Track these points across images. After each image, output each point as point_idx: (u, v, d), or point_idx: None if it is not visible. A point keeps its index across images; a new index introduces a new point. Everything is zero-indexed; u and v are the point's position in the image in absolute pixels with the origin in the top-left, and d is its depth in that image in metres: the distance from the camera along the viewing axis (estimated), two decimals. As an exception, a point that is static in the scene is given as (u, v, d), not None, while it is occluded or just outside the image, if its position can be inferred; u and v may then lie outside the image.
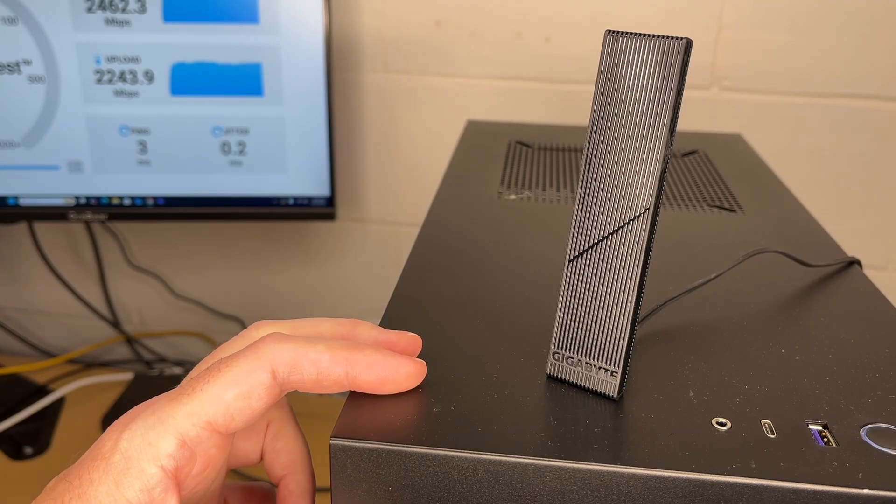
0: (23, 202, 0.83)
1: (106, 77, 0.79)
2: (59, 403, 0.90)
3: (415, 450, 0.25)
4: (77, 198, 0.83)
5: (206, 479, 0.29)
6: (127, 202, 0.83)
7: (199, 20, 0.78)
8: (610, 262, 0.27)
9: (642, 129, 0.26)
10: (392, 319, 0.33)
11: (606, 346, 0.28)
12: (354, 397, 0.27)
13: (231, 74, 0.79)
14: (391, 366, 0.28)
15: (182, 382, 0.28)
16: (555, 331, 0.29)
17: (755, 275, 0.39)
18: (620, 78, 0.26)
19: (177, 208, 0.84)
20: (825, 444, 0.25)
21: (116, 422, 0.28)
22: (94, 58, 0.78)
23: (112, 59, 0.78)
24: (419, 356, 0.29)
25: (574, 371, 0.29)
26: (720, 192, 0.52)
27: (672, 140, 0.26)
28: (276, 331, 0.30)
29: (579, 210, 0.28)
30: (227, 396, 0.26)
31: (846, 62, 0.80)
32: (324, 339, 0.28)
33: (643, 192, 0.26)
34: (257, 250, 0.97)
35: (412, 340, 0.30)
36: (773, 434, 0.26)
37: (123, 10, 0.77)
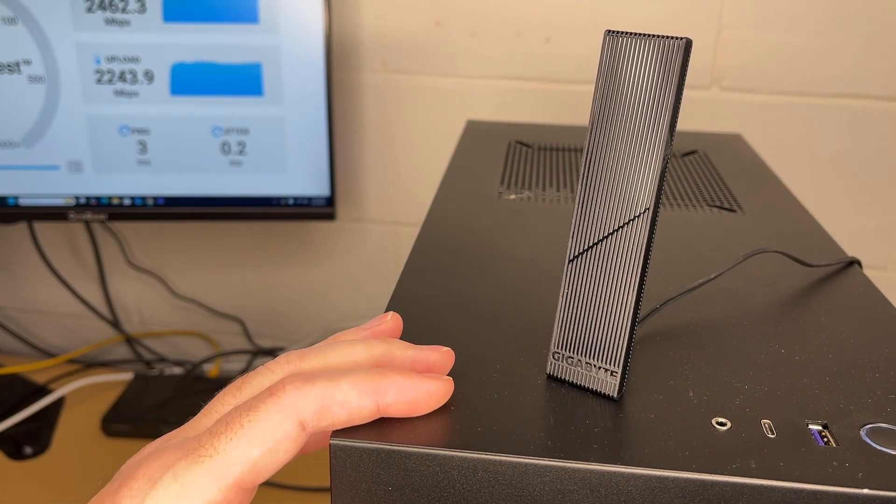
0: (23, 202, 0.83)
1: (106, 77, 0.79)
2: (59, 403, 0.90)
3: (415, 450, 0.25)
4: (77, 198, 0.83)
5: None
6: (127, 202, 0.83)
7: (199, 20, 0.78)
8: (610, 262, 0.27)
9: (642, 129, 0.26)
10: (392, 319, 0.33)
11: (606, 346, 0.28)
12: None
13: (231, 74, 0.79)
14: (422, 389, 0.26)
15: (198, 432, 0.26)
16: (555, 331, 0.29)
17: (755, 275, 0.39)
18: (620, 78, 0.26)
19: (177, 208, 0.84)
20: (825, 444, 0.25)
21: (122, 481, 0.25)
22: (94, 58, 0.78)
23: (112, 59, 0.78)
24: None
25: (574, 371, 0.29)
26: (720, 192, 0.52)
27: (672, 140, 0.26)
28: (302, 366, 0.28)
29: (579, 210, 0.28)
30: (253, 455, 0.25)
31: (846, 62, 0.80)
32: (347, 373, 0.26)
33: (643, 192, 0.26)
34: (257, 250, 0.97)
35: (446, 356, 0.29)
36: (773, 434, 0.26)
37: (123, 10, 0.77)
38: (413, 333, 0.31)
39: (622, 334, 0.28)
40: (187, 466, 0.25)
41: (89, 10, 0.77)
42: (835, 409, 0.27)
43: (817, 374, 0.30)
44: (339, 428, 0.26)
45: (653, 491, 0.24)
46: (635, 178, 0.26)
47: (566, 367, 0.29)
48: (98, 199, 0.83)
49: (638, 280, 0.27)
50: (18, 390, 0.93)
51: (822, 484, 0.24)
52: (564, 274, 0.28)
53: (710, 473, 0.24)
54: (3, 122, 0.80)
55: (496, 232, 0.43)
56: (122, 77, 0.79)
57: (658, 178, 0.26)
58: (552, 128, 0.68)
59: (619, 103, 0.26)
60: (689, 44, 0.25)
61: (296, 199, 0.84)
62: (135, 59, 0.79)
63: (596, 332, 0.28)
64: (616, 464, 0.24)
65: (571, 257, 0.28)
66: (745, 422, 0.26)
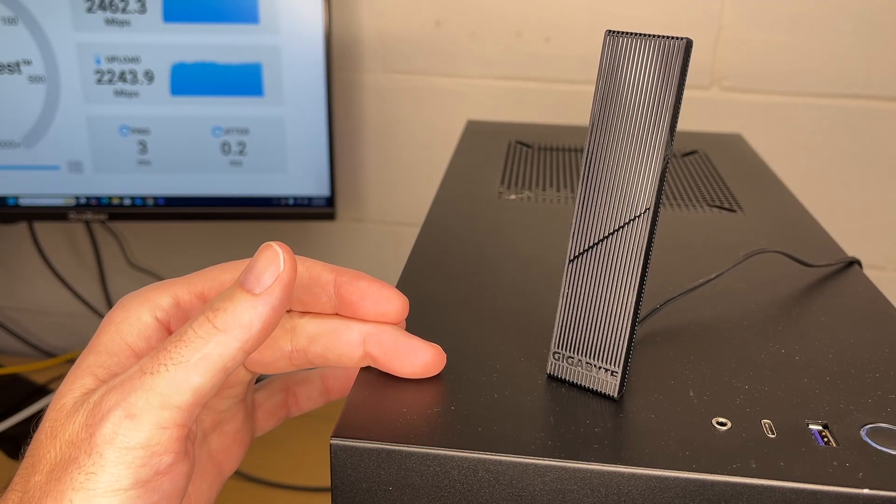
0: (23, 202, 0.83)
1: (106, 77, 0.79)
2: (59, 403, 0.90)
3: (415, 450, 0.25)
4: (77, 198, 0.83)
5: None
6: (127, 202, 0.83)
7: (199, 20, 0.78)
8: (610, 262, 0.27)
9: (642, 129, 0.26)
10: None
11: (606, 346, 0.28)
12: (355, 397, 0.27)
13: (231, 74, 0.79)
14: (377, 285, 0.29)
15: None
16: (555, 331, 0.29)
17: (755, 275, 0.39)
18: (620, 78, 0.26)
19: (177, 208, 0.84)
20: (825, 444, 0.25)
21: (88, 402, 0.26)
22: (94, 58, 0.78)
23: (112, 59, 0.78)
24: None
25: (574, 371, 0.29)
26: (720, 192, 0.52)
27: (672, 140, 0.26)
28: None
29: (579, 210, 0.28)
30: (227, 282, 0.30)
31: (846, 62, 0.80)
32: None
33: (643, 192, 0.26)
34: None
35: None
36: (773, 434, 0.26)
37: (123, 10, 0.77)
38: (413, 333, 0.31)
39: (622, 334, 0.28)
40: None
41: (89, 10, 0.77)
42: (835, 409, 0.27)
43: (817, 374, 0.30)
44: (300, 294, 0.29)
45: (653, 491, 0.24)
46: (635, 179, 0.26)
47: (566, 367, 0.29)
48: (98, 199, 0.83)
49: (638, 280, 0.27)
50: (18, 390, 0.93)
51: (823, 484, 0.24)
52: (564, 274, 0.28)
53: (711, 473, 0.24)
54: (3, 122, 0.80)
55: (496, 232, 0.43)
56: (122, 77, 0.79)
57: (658, 178, 0.26)
58: (552, 128, 0.68)
59: (619, 103, 0.26)
60: (689, 44, 0.25)
61: (296, 199, 0.84)
62: (135, 60, 0.79)
63: (596, 333, 0.28)
64: (616, 464, 0.24)
65: (571, 257, 0.28)
66: (746, 422, 0.26)
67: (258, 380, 0.35)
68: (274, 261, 0.25)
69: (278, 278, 0.25)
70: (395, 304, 0.29)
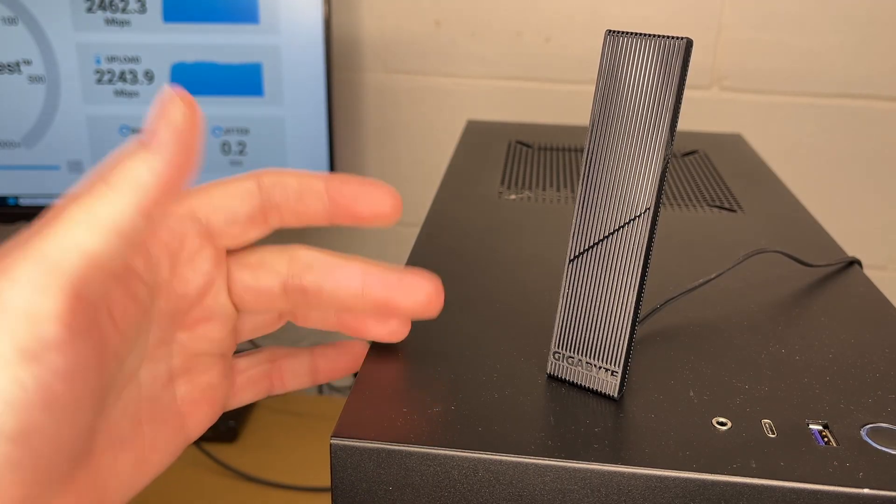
0: (23, 202, 0.83)
1: (106, 77, 0.79)
2: (59, 403, 0.90)
3: (415, 450, 0.25)
4: (77, 198, 0.83)
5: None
6: (127, 202, 0.83)
7: (199, 20, 0.78)
8: (610, 262, 0.27)
9: (642, 129, 0.26)
10: (392, 319, 0.33)
11: (606, 346, 0.28)
12: (355, 397, 0.27)
13: (231, 74, 0.79)
14: (369, 185, 0.28)
15: None
16: (555, 331, 0.29)
17: (755, 275, 0.39)
18: (620, 78, 0.26)
19: (177, 208, 0.84)
20: (825, 443, 0.25)
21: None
22: (94, 58, 0.78)
23: (112, 59, 0.78)
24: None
25: (574, 371, 0.29)
26: (720, 192, 0.52)
27: (672, 140, 0.26)
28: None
29: (579, 210, 0.28)
30: (212, 191, 0.28)
31: (846, 62, 0.80)
32: None
33: (643, 192, 0.26)
34: (257, 250, 0.97)
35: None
36: (773, 434, 0.26)
37: (123, 10, 0.77)
38: (413, 333, 0.31)
39: (622, 334, 0.28)
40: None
41: (89, 10, 0.77)
42: (835, 409, 0.27)
43: (817, 374, 0.30)
44: (291, 206, 0.29)
45: (653, 491, 0.24)
46: (636, 179, 0.26)
47: (566, 367, 0.29)
48: (98, 199, 0.83)
49: (638, 280, 0.27)
50: (18, 390, 0.92)
51: (823, 484, 0.24)
52: (564, 274, 0.28)
53: (711, 473, 0.24)
54: (3, 122, 0.80)
55: (496, 232, 0.43)
56: (122, 77, 0.79)
57: (658, 178, 0.26)
58: (552, 128, 0.68)
59: (620, 103, 0.26)
60: (689, 44, 0.25)
61: (296, 199, 0.84)
62: (135, 60, 0.79)
63: (596, 333, 0.28)
64: (616, 463, 0.24)
65: (572, 257, 0.28)
66: (746, 422, 0.26)
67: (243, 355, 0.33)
68: (168, 109, 0.24)
69: (173, 128, 0.24)
70: (389, 201, 0.29)
